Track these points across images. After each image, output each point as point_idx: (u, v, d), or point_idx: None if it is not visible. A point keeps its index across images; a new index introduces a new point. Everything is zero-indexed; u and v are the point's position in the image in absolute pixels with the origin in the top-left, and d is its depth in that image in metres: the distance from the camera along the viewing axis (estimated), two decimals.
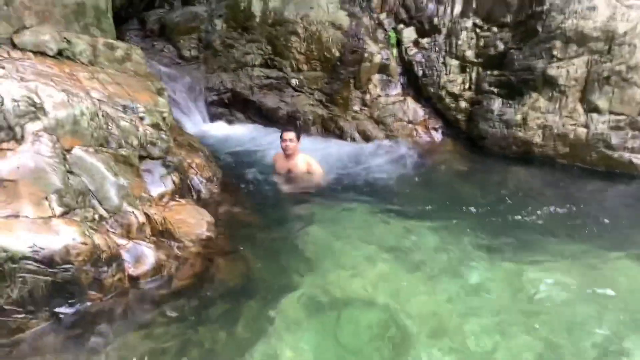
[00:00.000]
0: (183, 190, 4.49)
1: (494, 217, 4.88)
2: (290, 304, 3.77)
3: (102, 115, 3.84)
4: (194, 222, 4.14)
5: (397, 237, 4.58)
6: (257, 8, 7.76)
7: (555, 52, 5.89)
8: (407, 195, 5.36)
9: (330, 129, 7.30)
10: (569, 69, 5.82)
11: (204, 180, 4.93)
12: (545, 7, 6.00)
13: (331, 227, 4.72)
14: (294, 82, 7.54)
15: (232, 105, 7.81)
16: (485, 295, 3.80)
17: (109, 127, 3.85)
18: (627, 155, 5.58)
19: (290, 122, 7.41)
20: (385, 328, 3.47)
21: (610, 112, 5.65)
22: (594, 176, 5.66)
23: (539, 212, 5.00)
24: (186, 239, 3.98)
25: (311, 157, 5.82)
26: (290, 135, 5.59)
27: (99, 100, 3.97)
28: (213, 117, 7.79)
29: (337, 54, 7.25)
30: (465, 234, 4.62)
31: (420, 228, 4.74)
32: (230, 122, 7.76)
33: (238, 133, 7.44)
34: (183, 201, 4.32)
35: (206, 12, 8.32)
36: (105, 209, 3.43)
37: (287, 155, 5.64)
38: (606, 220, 4.78)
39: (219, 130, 7.52)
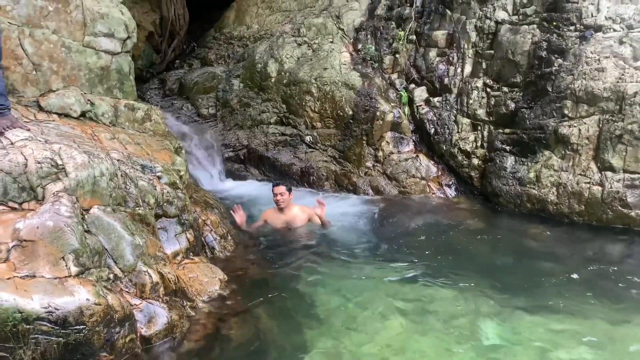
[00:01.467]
0: (197, 247, 4.52)
1: (510, 277, 4.80)
2: None
3: (121, 175, 3.95)
4: (206, 280, 4.15)
5: (411, 298, 4.51)
6: (273, 69, 8.05)
7: (566, 112, 5.97)
8: (421, 253, 5.31)
9: (344, 185, 7.37)
10: (581, 128, 5.87)
11: (218, 237, 4.97)
12: (554, 68, 6.14)
13: (343, 285, 4.67)
14: (308, 139, 7.70)
15: (247, 161, 7.97)
16: (501, 357, 3.69)
17: (127, 187, 3.94)
18: None
19: (304, 178, 7.52)
20: None
21: (625, 171, 5.63)
22: (611, 235, 5.57)
23: (556, 272, 4.90)
24: (198, 298, 3.97)
25: (303, 206, 5.96)
26: (281, 189, 5.74)
27: (118, 160, 4.09)
28: (229, 174, 7.93)
29: (350, 112, 7.42)
30: (482, 294, 4.53)
31: (434, 288, 4.67)
32: (245, 177, 7.88)
33: (253, 189, 7.53)
34: (197, 259, 4.34)
35: (224, 72, 8.66)
36: (120, 268, 3.45)
37: (281, 209, 5.74)
38: (626, 281, 4.67)
39: (235, 186, 7.63)
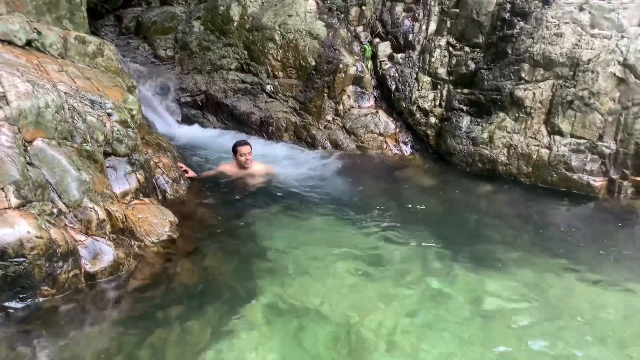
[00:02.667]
0: (148, 189, 4.44)
1: (456, 231, 4.98)
2: (250, 308, 3.75)
3: (69, 109, 3.79)
4: (156, 222, 4.11)
5: (361, 247, 4.62)
6: (235, 12, 7.77)
7: (523, 75, 6.08)
8: (373, 206, 5.41)
9: (303, 137, 7.34)
10: (535, 92, 6.01)
11: (170, 181, 4.89)
12: (515, 31, 6.20)
13: (295, 233, 4.74)
14: (268, 88, 7.57)
15: (204, 107, 7.78)
16: (444, 306, 3.87)
17: (75, 121, 3.80)
18: (585, 177, 5.77)
19: (263, 128, 7.44)
20: (345, 338, 3.49)
21: (572, 136, 5.85)
22: (554, 196, 5.82)
23: (499, 228, 5.12)
24: (147, 238, 3.94)
25: (264, 163, 5.95)
26: (248, 148, 5.70)
27: (66, 93, 3.91)
28: (185, 119, 7.74)
29: (313, 63, 7.31)
30: (428, 246, 4.70)
31: (383, 239, 4.80)
32: (202, 124, 7.72)
33: (209, 135, 7.41)
34: (147, 200, 4.28)
35: (184, 13, 8.30)
36: (64, 203, 3.36)
37: (245, 168, 5.70)
38: (562, 239, 4.93)
39: (190, 131, 7.48)
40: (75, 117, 3.82)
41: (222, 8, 7.85)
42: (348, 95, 7.34)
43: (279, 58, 7.49)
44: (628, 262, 4.55)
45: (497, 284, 4.12)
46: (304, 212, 5.23)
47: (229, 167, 5.84)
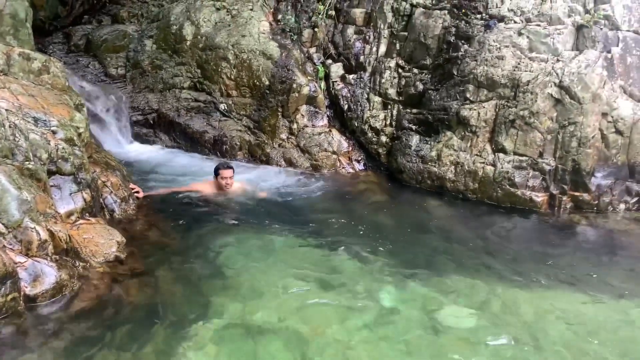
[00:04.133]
0: (95, 208, 4.33)
1: (407, 246, 5.09)
2: (201, 329, 3.71)
3: (9, 126, 3.67)
4: (102, 242, 4.01)
5: (315, 265, 4.64)
6: (189, 32, 7.77)
7: (468, 95, 6.35)
8: (327, 224, 5.47)
9: (257, 155, 7.36)
10: (480, 111, 6.28)
11: (119, 200, 4.79)
12: (460, 53, 6.49)
13: (249, 251, 4.72)
14: (222, 106, 7.56)
15: (157, 126, 7.69)
16: (396, 321, 3.94)
17: (16, 139, 3.68)
18: (528, 193, 6.04)
19: (217, 147, 7.41)
20: (299, 356, 3.49)
21: (515, 153, 6.13)
22: (500, 211, 6.06)
23: (448, 243, 5.27)
24: (93, 259, 3.83)
25: (243, 182, 6.01)
26: (231, 172, 5.70)
27: (6, 110, 3.79)
28: (136, 137, 7.61)
29: (267, 83, 7.38)
30: (380, 262, 4.78)
31: (337, 255, 4.85)
32: (154, 143, 7.61)
33: (161, 154, 7.31)
34: (93, 220, 4.17)
35: (136, 31, 8.23)
36: (3, 224, 3.24)
37: (222, 190, 5.71)
38: (507, 253, 5.13)
39: (142, 150, 7.35)
40: (17, 135, 3.71)
41: (174, 27, 7.84)
42: (302, 115, 7.43)
43: (232, 77, 7.51)
44: (567, 272, 4.78)
45: (446, 297, 4.23)
46: (259, 230, 5.22)
47: (204, 187, 5.80)
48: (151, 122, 7.67)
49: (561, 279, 4.68)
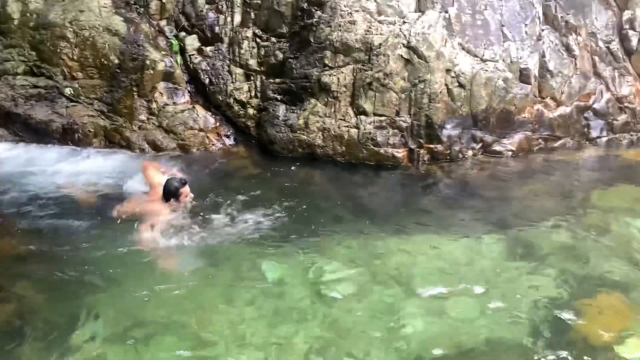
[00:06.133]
0: None
1: (284, 217, 5.17)
2: (81, 338, 3.48)
3: None
4: None
5: (193, 248, 4.54)
6: (14, 9, 6.81)
7: (326, 61, 6.49)
8: (202, 205, 5.32)
9: (115, 141, 6.83)
10: (339, 77, 6.47)
11: None
12: (314, 20, 6.56)
13: (120, 247, 4.45)
14: (67, 91, 6.85)
15: None
16: (282, 294, 4.03)
17: None
18: (390, 150, 6.44)
19: (67, 136, 6.73)
20: (191, 345, 3.44)
21: (375, 114, 6.46)
22: (367, 170, 6.40)
23: (325, 207, 5.49)
24: None
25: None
26: (187, 187, 5.04)
27: None
28: None
29: (116, 61, 6.80)
30: (260, 236, 4.83)
31: (216, 236, 4.79)
32: None
33: (2, 153, 6.46)
34: None
35: None
36: None
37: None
38: (377, 208, 5.49)
39: None
40: None
41: None
42: (160, 93, 7.02)
43: (75, 58, 6.80)
44: (430, 218, 5.29)
45: (328, 262, 4.42)
46: (126, 225, 4.92)
47: (153, 205, 5.06)
48: None
49: (426, 224, 5.17)
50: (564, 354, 3.27)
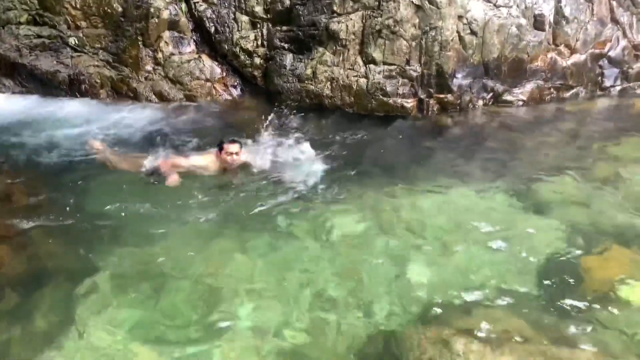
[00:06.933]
0: None
1: (294, 168, 5.17)
2: (96, 285, 3.56)
3: None
4: None
5: (201, 200, 4.56)
6: None
7: (335, 8, 6.32)
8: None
9: (123, 92, 6.79)
10: (348, 24, 6.31)
11: None
12: None
13: (131, 198, 4.49)
14: (72, 41, 6.75)
15: None
16: (292, 243, 4.08)
17: None
18: (399, 100, 6.37)
19: (74, 87, 6.69)
20: (203, 293, 3.52)
21: (384, 63, 6.34)
22: (376, 122, 6.34)
23: (332, 159, 5.45)
24: None
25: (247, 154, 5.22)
26: (236, 147, 4.93)
27: None
28: None
29: (120, 9, 6.66)
30: (271, 186, 4.84)
31: (224, 188, 4.81)
32: None
33: (9, 104, 6.44)
34: None
35: None
36: None
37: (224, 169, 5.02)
38: (387, 159, 5.46)
39: None
40: None
41: None
42: (166, 42, 6.90)
43: (78, 6, 6.66)
44: (439, 169, 5.26)
45: (338, 211, 4.44)
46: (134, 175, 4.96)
47: (204, 160, 5.02)
48: None
49: (435, 175, 5.15)
50: (569, 301, 3.32)
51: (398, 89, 6.34)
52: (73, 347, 2.98)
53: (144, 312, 3.31)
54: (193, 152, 5.30)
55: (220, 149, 4.94)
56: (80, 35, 6.77)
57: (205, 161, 5.03)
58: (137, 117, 6.30)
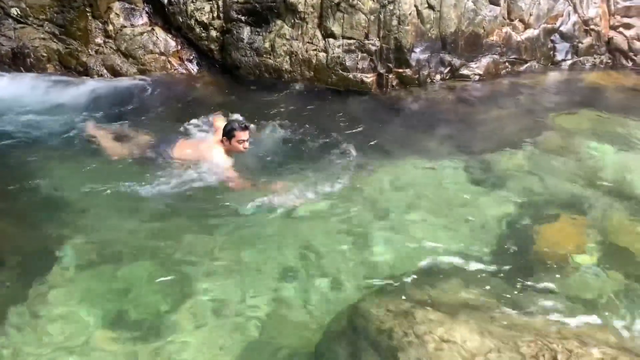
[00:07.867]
0: None
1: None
2: (54, 270, 3.47)
3: None
4: None
5: (160, 178, 4.47)
6: None
7: None
8: (167, 132, 5.19)
9: (72, 66, 6.50)
10: None
11: None
12: None
13: (84, 178, 4.35)
14: (14, 11, 6.37)
15: None
16: (254, 219, 4.07)
17: None
18: (359, 75, 6.35)
19: (19, 61, 6.34)
20: (164, 272, 3.48)
21: (343, 37, 6.29)
22: (336, 96, 6.32)
23: (291, 136, 5.40)
24: None
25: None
26: (247, 134, 4.61)
27: None
28: None
29: None
30: (241, 163, 4.78)
31: (184, 166, 4.71)
32: None
33: None
34: None
35: None
36: None
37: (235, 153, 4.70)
38: (345, 133, 5.46)
39: None
40: None
41: None
42: (116, 13, 6.62)
43: None
44: (396, 142, 5.32)
45: (296, 186, 4.44)
46: (93, 153, 4.80)
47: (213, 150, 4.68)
48: None
49: (392, 150, 5.22)
50: (524, 267, 3.48)
51: (357, 63, 6.33)
52: (26, 330, 2.92)
53: (106, 296, 3.28)
54: (194, 140, 5.03)
55: (230, 136, 4.58)
56: (23, 6, 6.39)
57: (219, 154, 4.65)
58: (84, 92, 6.05)
